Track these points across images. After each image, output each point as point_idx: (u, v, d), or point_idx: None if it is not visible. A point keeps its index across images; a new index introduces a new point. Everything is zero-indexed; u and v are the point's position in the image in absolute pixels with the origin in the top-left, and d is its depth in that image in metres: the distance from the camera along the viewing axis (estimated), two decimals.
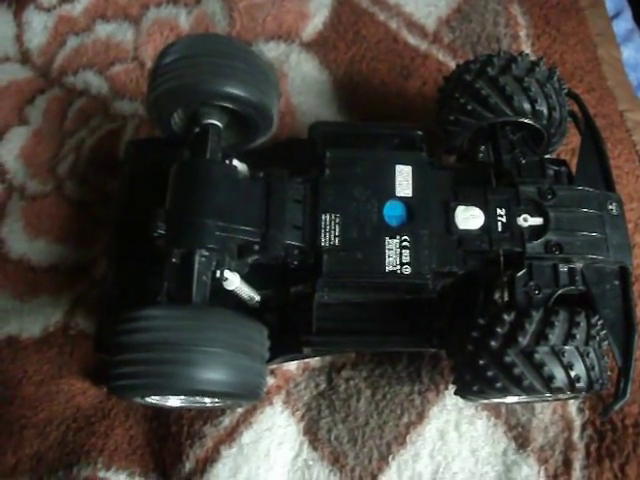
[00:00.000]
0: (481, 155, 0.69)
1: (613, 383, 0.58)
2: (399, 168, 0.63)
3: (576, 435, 0.66)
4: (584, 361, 0.55)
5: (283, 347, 0.63)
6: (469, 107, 0.65)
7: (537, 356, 0.54)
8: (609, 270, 0.62)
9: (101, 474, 0.68)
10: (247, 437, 0.67)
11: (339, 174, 0.63)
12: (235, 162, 0.64)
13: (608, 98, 0.81)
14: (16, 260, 0.79)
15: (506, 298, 0.62)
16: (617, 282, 0.62)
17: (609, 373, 0.59)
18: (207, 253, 0.58)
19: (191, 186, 0.60)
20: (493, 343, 0.55)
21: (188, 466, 0.67)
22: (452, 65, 0.81)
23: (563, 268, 0.61)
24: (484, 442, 0.66)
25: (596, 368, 0.56)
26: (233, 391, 0.54)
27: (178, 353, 0.52)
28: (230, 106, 0.63)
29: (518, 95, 0.64)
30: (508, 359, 0.54)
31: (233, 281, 0.60)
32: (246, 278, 0.62)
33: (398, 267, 0.59)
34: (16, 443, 0.70)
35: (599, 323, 0.58)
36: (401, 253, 0.60)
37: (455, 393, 0.61)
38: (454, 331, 0.62)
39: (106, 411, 0.71)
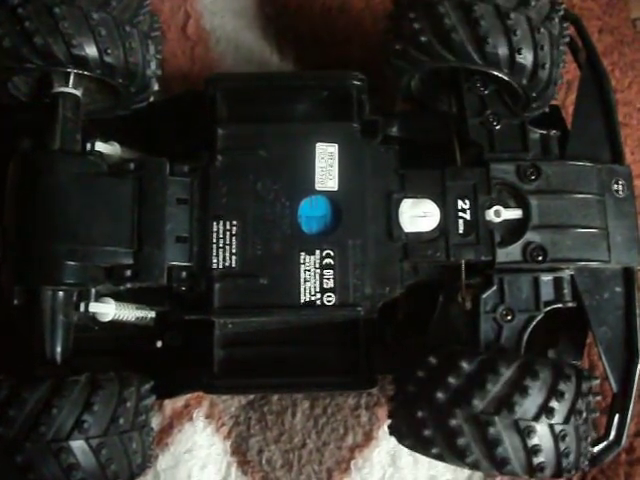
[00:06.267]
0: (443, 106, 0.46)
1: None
2: (320, 148, 0.41)
3: None
4: (556, 446, 0.36)
5: (188, 380, 0.44)
6: (423, 38, 0.40)
7: (492, 430, 0.35)
8: (609, 273, 0.42)
9: None
10: (163, 462, 0.50)
11: (236, 162, 0.41)
12: (99, 145, 0.42)
13: (618, 4, 0.55)
14: None
15: (469, 306, 0.42)
16: (619, 289, 0.42)
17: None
18: (61, 287, 0.39)
19: (32, 192, 0.39)
20: (440, 395, 0.36)
21: None
22: None
23: (546, 277, 0.41)
24: (445, 468, 0.49)
25: (572, 455, 0.36)
26: None
27: None
28: (80, 72, 0.41)
29: (495, 37, 0.39)
30: (453, 423, 0.36)
31: (107, 313, 0.41)
32: (132, 292, 0.42)
33: (318, 296, 0.39)
34: None
35: (593, 386, 0.38)
36: (322, 275, 0.39)
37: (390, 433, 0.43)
38: (403, 352, 0.43)
39: None
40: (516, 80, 0.41)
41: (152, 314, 0.44)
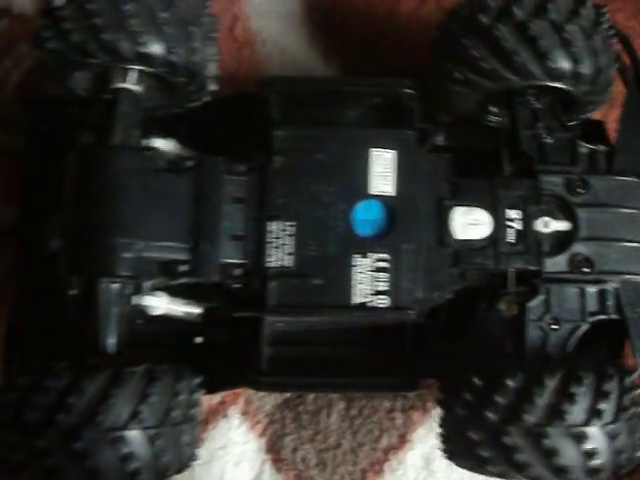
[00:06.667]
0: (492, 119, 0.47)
1: None
2: (376, 154, 0.41)
3: None
4: (611, 445, 0.36)
5: (234, 376, 0.45)
6: (485, 64, 0.42)
7: (547, 441, 0.35)
8: None
9: None
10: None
11: (293, 164, 0.41)
12: (157, 142, 0.42)
13: None
14: None
15: (513, 312, 0.43)
16: None
17: None
18: (117, 280, 0.39)
19: (92, 186, 0.40)
20: (490, 415, 0.37)
21: None
22: None
23: (592, 289, 0.41)
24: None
25: (627, 451, 0.37)
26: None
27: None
28: (144, 69, 0.41)
29: (556, 52, 0.40)
30: (509, 440, 0.36)
31: (158, 307, 0.42)
32: (182, 288, 0.43)
33: (371, 298, 0.40)
34: None
35: (634, 379, 0.38)
36: (375, 278, 0.40)
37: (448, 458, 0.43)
38: (445, 358, 0.44)
39: None
40: (579, 89, 0.42)
41: (199, 310, 0.45)
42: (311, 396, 0.51)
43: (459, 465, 0.41)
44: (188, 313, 0.44)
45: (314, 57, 0.56)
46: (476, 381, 0.38)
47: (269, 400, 0.52)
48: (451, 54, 0.44)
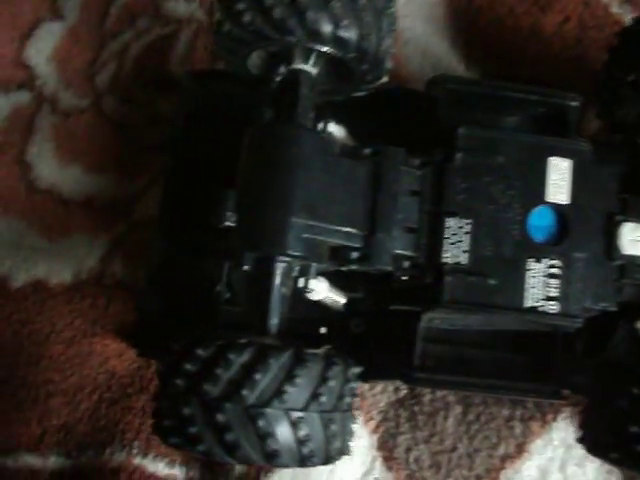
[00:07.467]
0: None
1: None
2: (553, 162, 0.41)
3: None
4: None
5: (374, 369, 0.44)
6: None
7: None
8: None
9: (136, 460, 0.52)
10: None
11: (474, 163, 0.41)
12: (331, 127, 0.42)
13: None
14: (45, 190, 0.58)
15: None
16: None
17: None
18: (289, 259, 0.39)
19: (273, 165, 0.40)
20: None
21: (238, 470, 0.51)
22: None
23: None
24: None
25: None
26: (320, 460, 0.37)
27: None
28: (333, 53, 0.41)
29: None
30: None
31: (319, 291, 0.41)
32: (330, 276, 0.42)
33: (542, 303, 0.39)
34: (42, 412, 0.53)
35: None
36: (547, 283, 0.40)
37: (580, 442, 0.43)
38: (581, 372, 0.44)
39: (145, 382, 0.53)
40: None
41: (344, 300, 0.44)
42: (427, 397, 0.51)
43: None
44: (335, 301, 0.44)
45: (455, 64, 0.56)
46: (635, 390, 0.37)
47: (383, 397, 0.51)
48: (624, 74, 0.44)
